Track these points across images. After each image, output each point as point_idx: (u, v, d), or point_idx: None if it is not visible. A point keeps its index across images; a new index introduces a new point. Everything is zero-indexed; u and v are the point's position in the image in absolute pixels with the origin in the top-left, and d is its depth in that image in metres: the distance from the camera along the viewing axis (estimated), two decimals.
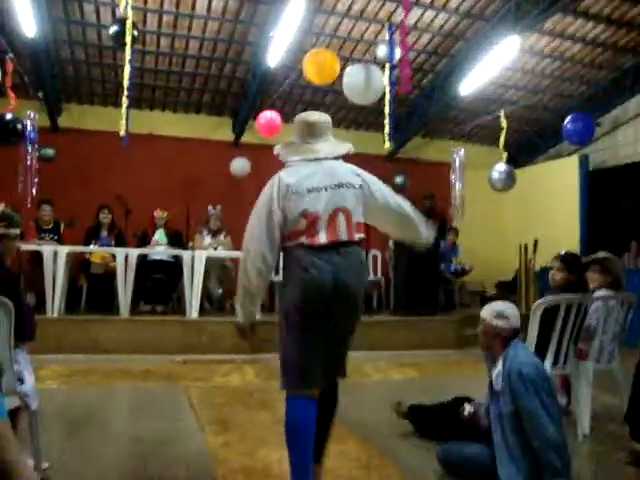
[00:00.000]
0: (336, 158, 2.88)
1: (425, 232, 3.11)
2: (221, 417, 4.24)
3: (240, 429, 3.93)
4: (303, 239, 2.66)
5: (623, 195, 13.07)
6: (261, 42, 8.30)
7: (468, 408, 3.43)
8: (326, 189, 2.72)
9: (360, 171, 2.91)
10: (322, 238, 2.65)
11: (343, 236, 2.68)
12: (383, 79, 6.15)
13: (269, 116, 8.72)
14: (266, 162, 9.93)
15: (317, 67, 6.12)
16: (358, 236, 2.75)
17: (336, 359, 2.83)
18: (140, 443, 3.59)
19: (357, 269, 2.73)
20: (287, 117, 10.49)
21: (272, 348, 6.82)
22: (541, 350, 3.83)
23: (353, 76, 6.06)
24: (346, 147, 2.94)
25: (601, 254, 4.59)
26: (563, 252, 4.24)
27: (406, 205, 3.01)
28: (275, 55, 7.95)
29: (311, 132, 2.91)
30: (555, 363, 3.88)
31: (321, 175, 2.76)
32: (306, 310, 2.64)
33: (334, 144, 2.93)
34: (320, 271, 2.60)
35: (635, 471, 3.36)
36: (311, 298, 2.62)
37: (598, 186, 10.58)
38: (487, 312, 3.12)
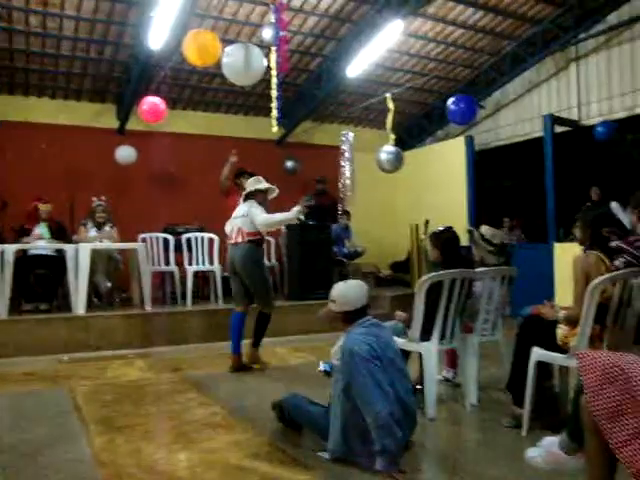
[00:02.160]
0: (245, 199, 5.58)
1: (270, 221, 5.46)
2: (108, 416, 4.03)
3: (127, 427, 3.75)
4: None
5: (506, 174, 13.73)
6: (142, 23, 7.92)
7: (322, 367, 3.46)
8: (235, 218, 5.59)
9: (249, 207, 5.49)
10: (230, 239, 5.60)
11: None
12: (263, 59, 6.01)
13: (152, 102, 8.39)
14: (153, 149, 9.82)
15: (198, 48, 5.91)
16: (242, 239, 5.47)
17: (251, 293, 5.54)
18: (13, 452, 3.32)
19: (239, 254, 5.47)
20: (174, 103, 10.25)
21: (164, 341, 6.77)
22: (429, 326, 3.91)
23: (232, 56, 5.87)
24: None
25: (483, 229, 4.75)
26: (437, 230, 4.39)
27: (258, 220, 5.39)
28: (157, 37, 7.59)
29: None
30: (442, 338, 3.97)
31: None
32: (229, 271, 5.68)
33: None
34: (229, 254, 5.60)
35: (516, 433, 3.53)
36: (229, 266, 5.65)
37: (483, 166, 11.01)
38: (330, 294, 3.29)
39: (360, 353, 2.94)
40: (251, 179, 5.67)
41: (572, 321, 3.34)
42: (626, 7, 8.91)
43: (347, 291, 3.26)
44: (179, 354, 6.42)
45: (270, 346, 6.66)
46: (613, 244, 3.38)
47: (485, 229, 4.71)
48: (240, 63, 5.79)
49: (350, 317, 3.20)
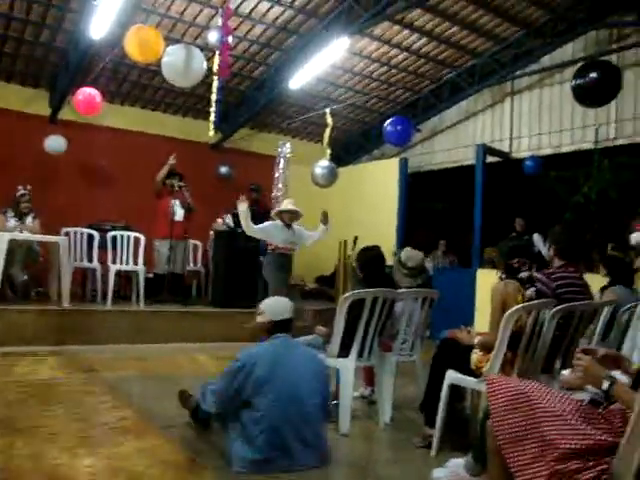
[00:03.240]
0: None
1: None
2: (9, 416, 3.83)
3: (30, 429, 3.57)
4: None
5: (437, 198, 14.05)
6: (84, 10, 7.69)
7: None
8: None
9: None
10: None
11: None
12: (204, 62, 5.94)
13: (88, 93, 8.16)
14: (85, 142, 9.54)
15: (139, 44, 5.77)
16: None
17: None
18: None
19: None
20: (112, 96, 10.01)
21: (80, 340, 6.54)
22: (348, 342, 3.94)
23: (172, 56, 5.78)
24: None
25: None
26: (363, 247, 4.47)
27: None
28: (100, 27, 7.37)
29: None
30: (360, 355, 4.01)
31: None
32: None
33: None
34: None
35: (425, 452, 3.57)
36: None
37: (416, 188, 11.23)
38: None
39: (239, 359, 3.15)
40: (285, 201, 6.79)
41: (487, 347, 3.43)
42: (558, 51, 9.35)
43: (275, 304, 3.39)
44: (94, 354, 6.18)
45: (190, 352, 6.60)
46: (523, 275, 3.51)
47: (404, 252, 4.80)
48: (180, 64, 5.71)
49: (273, 329, 3.28)
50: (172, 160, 7.42)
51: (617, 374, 2.28)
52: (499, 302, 3.45)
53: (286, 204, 6.60)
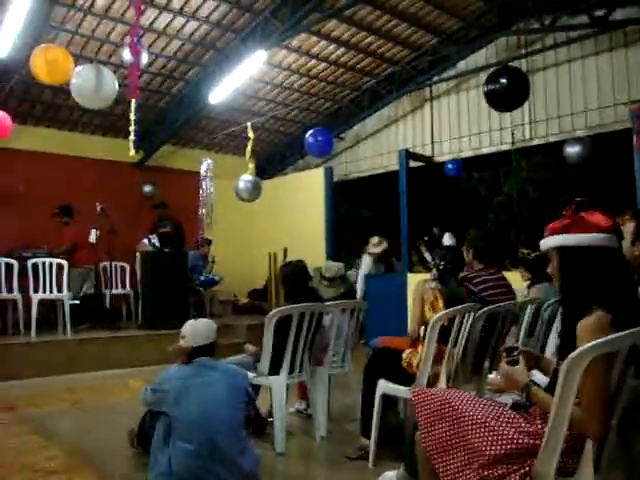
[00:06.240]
0: None
1: None
2: None
3: None
4: None
5: (365, 204, 14.23)
6: None
7: None
8: None
9: None
10: None
11: None
12: (115, 82, 5.78)
13: None
14: None
15: (47, 64, 5.56)
16: None
17: None
18: None
19: None
20: (24, 118, 9.64)
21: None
22: (278, 359, 3.90)
23: (81, 77, 5.59)
24: None
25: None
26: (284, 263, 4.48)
27: None
28: (4, 45, 7.05)
29: None
30: (291, 371, 3.97)
31: None
32: None
33: None
34: None
35: (363, 465, 3.56)
36: None
37: (343, 196, 11.33)
38: None
39: (155, 382, 3.16)
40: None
41: (411, 338, 3.52)
42: (473, 57, 9.64)
43: (198, 328, 3.24)
44: (15, 390, 5.85)
45: (123, 378, 6.38)
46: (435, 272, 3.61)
47: (325, 263, 4.86)
48: (90, 85, 5.51)
49: (193, 354, 3.16)
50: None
51: (537, 374, 2.34)
52: (419, 298, 3.59)
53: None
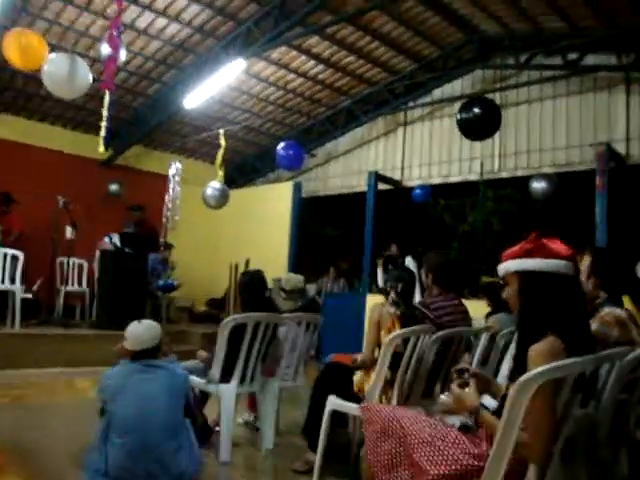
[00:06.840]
0: None
1: None
2: None
3: None
4: None
5: (331, 223, 14.26)
6: None
7: None
8: None
9: None
10: None
11: None
12: (89, 73, 5.69)
13: None
14: None
15: (20, 49, 5.43)
16: None
17: None
18: None
19: None
20: None
21: None
22: (230, 367, 3.85)
23: (54, 65, 5.49)
24: None
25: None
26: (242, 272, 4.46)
27: None
28: None
29: None
30: (242, 381, 3.92)
31: None
32: None
33: None
34: None
35: (308, 478, 3.49)
36: None
37: (310, 212, 11.32)
38: None
39: (100, 382, 3.13)
40: None
41: (364, 365, 3.48)
42: (449, 86, 9.82)
43: (140, 331, 3.20)
44: None
45: (70, 376, 6.22)
46: (393, 296, 3.58)
47: (284, 276, 4.84)
48: (62, 74, 5.40)
49: (135, 356, 3.13)
50: None
51: (487, 398, 2.35)
52: (375, 322, 3.52)
53: None
